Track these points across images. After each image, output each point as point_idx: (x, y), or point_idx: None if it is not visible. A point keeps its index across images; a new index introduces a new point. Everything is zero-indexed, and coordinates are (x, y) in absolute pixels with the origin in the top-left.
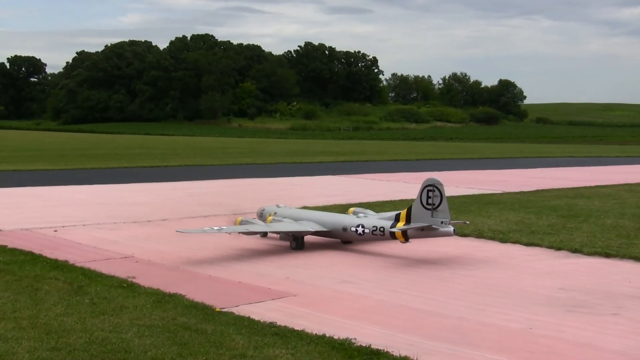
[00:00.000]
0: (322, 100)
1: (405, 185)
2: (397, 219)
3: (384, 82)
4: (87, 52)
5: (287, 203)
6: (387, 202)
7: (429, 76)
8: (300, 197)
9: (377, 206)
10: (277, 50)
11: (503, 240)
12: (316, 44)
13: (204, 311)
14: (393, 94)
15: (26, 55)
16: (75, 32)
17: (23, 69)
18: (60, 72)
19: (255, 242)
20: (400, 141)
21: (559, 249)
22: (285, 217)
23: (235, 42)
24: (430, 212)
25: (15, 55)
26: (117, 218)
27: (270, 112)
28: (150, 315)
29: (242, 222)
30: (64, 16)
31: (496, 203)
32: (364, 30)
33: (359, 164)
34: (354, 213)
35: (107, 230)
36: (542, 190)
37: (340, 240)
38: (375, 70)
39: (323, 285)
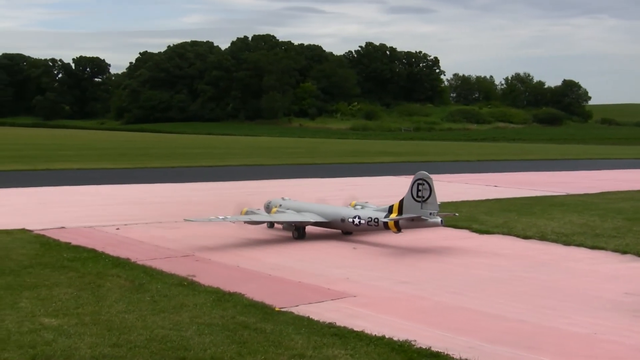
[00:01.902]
0: (382, 100)
1: (466, 187)
2: (390, 210)
3: (445, 83)
4: (149, 53)
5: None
6: (448, 203)
7: (491, 76)
8: (359, 197)
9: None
10: (338, 51)
11: (566, 243)
12: (377, 44)
13: (264, 310)
14: (454, 95)
15: (91, 55)
16: (139, 32)
17: (87, 69)
18: (123, 72)
19: (314, 241)
20: (462, 142)
21: (624, 252)
22: (289, 209)
23: (296, 42)
24: (420, 204)
25: (80, 56)
26: (178, 216)
27: (331, 112)
28: (210, 314)
29: (247, 213)
30: (128, 17)
31: (559, 205)
32: (425, 30)
33: (420, 165)
34: (355, 205)
35: (167, 228)
36: (607, 193)
37: (341, 231)
38: (437, 71)
39: (382, 286)
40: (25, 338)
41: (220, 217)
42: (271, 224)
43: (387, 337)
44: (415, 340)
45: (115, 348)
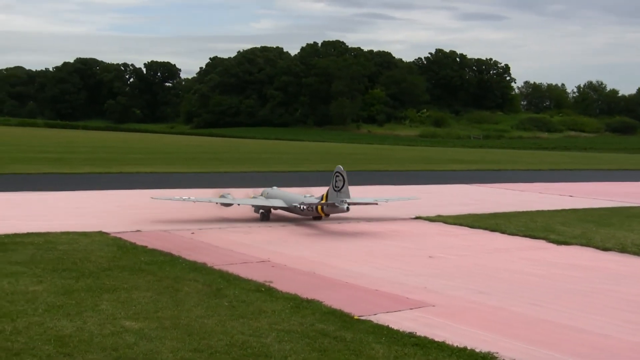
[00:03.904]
0: (452, 107)
1: (539, 196)
2: (322, 198)
3: (516, 90)
4: (220, 58)
5: (419, 212)
6: (522, 212)
7: (563, 84)
8: (433, 205)
9: (513, 217)
10: (408, 57)
11: None
12: (447, 50)
13: (342, 318)
14: (525, 102)
15: (161, 60)
16: (209, 38)
17: (158, 74)
18: (193, 77)
19: (390, 249)
20: (532, 150)
21: None
22: (262, 195)
23: (365, 48)
24: (336, 193)
25: (152, 61)
26: (251, 222)
27: (400, 119)
28: (288, 321)
29: (221, 196)
30: (199, 23)
31: (638, 216)
32: (496, 37)
33: (491, 173)
34: None
35: (242, 233)
36: None
37: (312, 217)
38: (507, 78)
39: (460, 295)
40: (108, 340)
41: (184, 198)
42: (257, 209)
43: (469, 348)
44: (497, 353)
45: (197, 353)
